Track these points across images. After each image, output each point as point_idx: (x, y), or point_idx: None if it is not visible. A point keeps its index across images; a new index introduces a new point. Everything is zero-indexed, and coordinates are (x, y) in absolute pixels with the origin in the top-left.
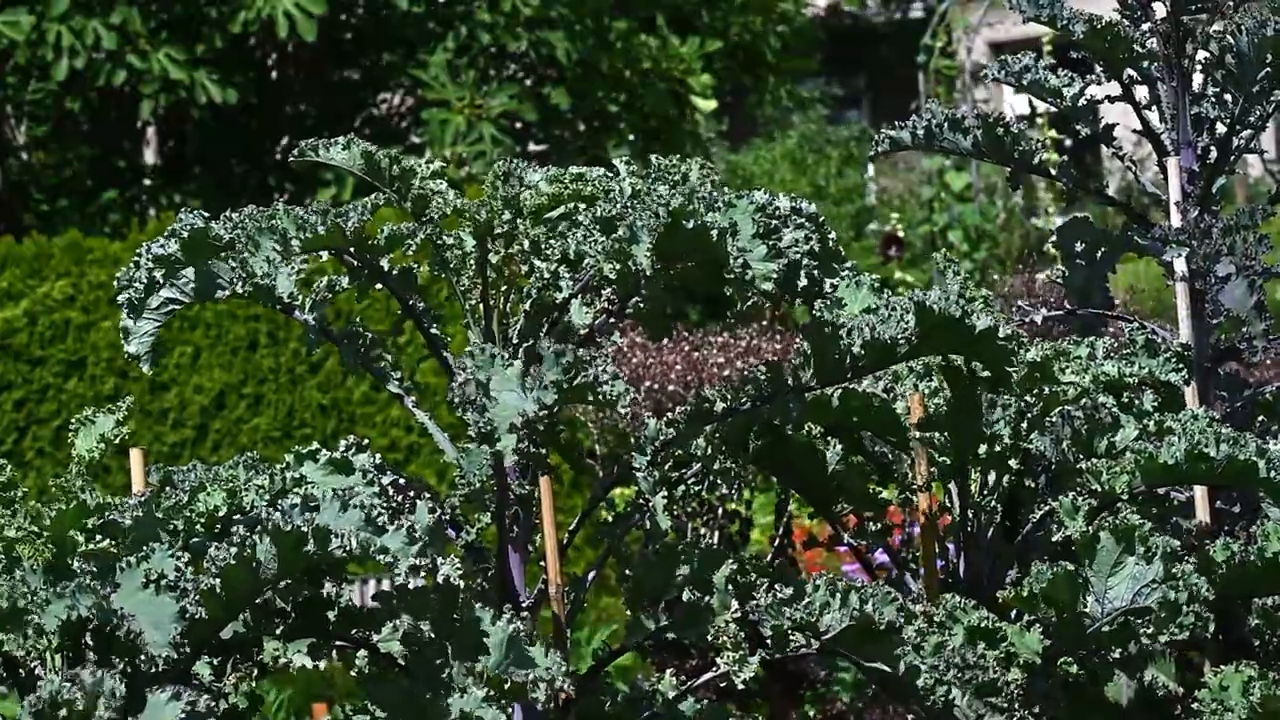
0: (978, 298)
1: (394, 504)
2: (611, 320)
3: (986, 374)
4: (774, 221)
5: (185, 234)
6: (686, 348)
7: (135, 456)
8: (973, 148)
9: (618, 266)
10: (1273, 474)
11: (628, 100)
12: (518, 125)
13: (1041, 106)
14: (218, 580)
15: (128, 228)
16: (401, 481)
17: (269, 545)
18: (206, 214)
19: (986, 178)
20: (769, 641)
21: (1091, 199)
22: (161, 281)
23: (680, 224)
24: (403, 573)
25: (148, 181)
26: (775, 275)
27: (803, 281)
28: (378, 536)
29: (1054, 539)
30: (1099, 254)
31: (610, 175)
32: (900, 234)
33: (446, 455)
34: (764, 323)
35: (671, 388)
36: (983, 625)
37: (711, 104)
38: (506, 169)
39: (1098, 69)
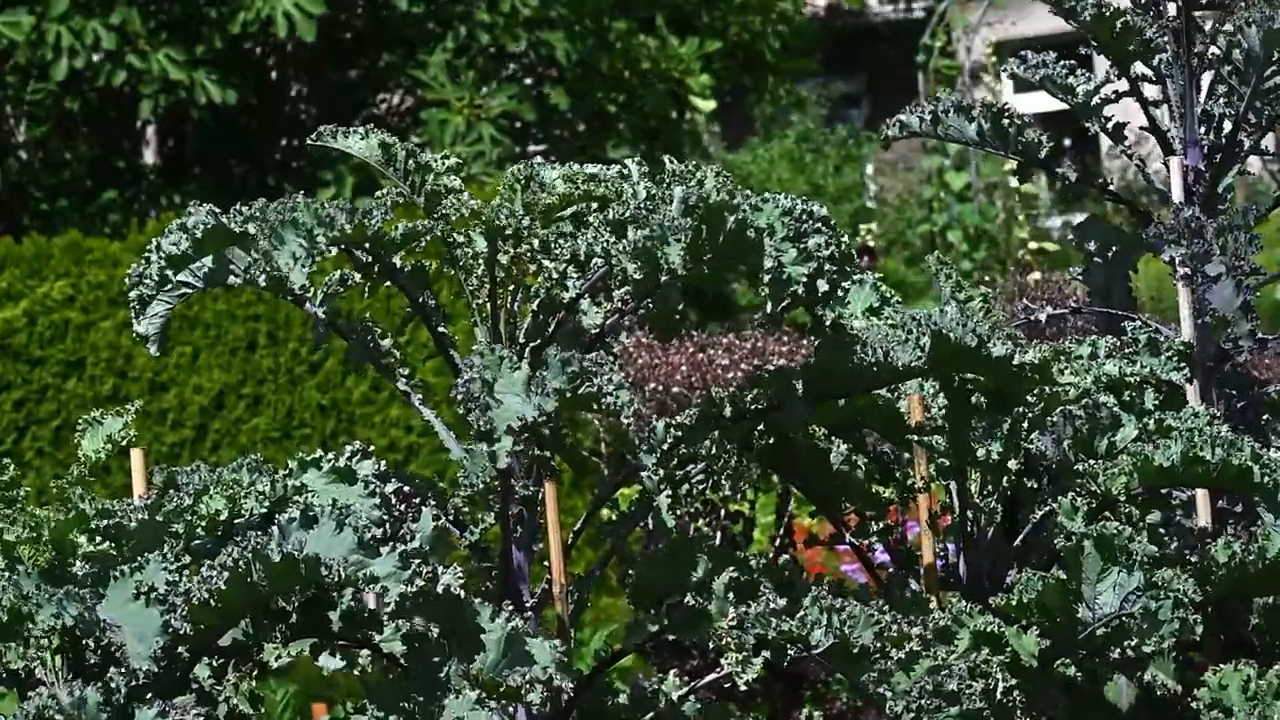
0: (975, 296)
1: (396, 513)
2: (623, 321)
3: (994, 392)
4: (802, 224)
5: (200, 230)
6: (691, 349)
7: (136, 457)
8: (977, 136)
9: (642, 266)
10: (1266, 479)
11: (627, 100)
12: (517, 125)
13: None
14: (211, 596)
15: (127, 228)
16: (406, 489)
17: (261, 569)
18: (217, 210)
19: (986, 178)
20: (769, 647)
21: (1095, 197)
22: (173, 280)
23: (718, 222)
24: (392, 600)
25: (148, 181)
26: (805, 278)
27: (824, 286)
28: (370, 560)
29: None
30: (1113, 253)
31: (622, 176)
32: (872, 244)
33: (451, 454)
34: (777, 322)
35: (676, 389)
36: (988, 631)
37: (711, 104)
38: (528, 173)
39: (1107, 66)
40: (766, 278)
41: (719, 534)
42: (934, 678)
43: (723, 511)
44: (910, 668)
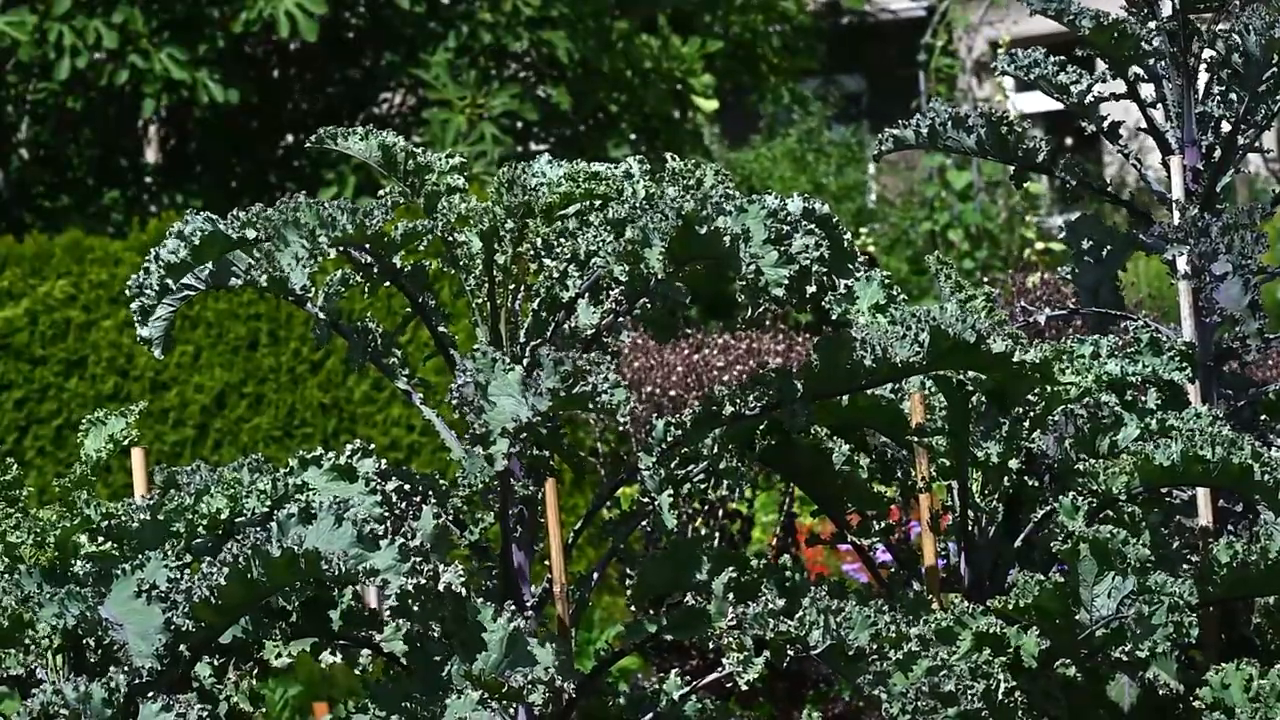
0: (977, 296)
1: (397, 511)
2: (620, 320)
3: (994, 390)
4: (785, 227)
5: (199, 237)
6: (686, 350)
7: (137, 456)
8: (976, 146)
9: (628, 268)
10: (1266, 477)
11: (629, 100)
12: (519, 125)
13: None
14: (212, 593)
15: (129, 227)
16: (406, 487)
17: (261, 565)
18: (214, 216)
19: (988, 177)
20: (768, 648)
21: (1094, 197)
22: (174, 288)
23: (693, 228)
24: (393, 592)
25: (149, 180)
26: (786, 281)
27: (812, 288)
28: (369, 553)
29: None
30: (1105, 252)
31: (625, 174)
32: (871, 249)
33: (452, 453)
34: (765, 323)
35: (673, 392)
36: (991, 632)
37: (713, 104)
38: (512, 176)
39: (1102, 66)
40: (740, 284)
41: (717, 533)
42: (931, 679)
43: (720, 511)
44: (908, 669)
